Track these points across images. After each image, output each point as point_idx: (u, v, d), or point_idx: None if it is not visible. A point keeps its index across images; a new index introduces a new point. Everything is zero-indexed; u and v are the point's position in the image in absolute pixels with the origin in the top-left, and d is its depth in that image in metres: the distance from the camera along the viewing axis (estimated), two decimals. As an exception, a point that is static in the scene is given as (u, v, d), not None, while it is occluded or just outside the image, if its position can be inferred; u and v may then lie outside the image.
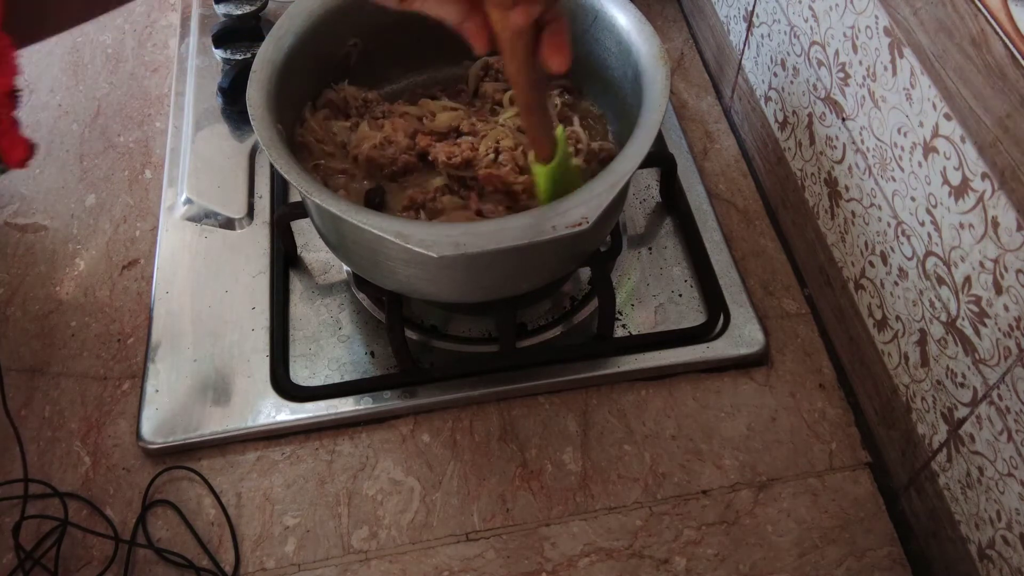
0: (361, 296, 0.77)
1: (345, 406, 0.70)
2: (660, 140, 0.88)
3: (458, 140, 0.72)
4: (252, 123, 0.62)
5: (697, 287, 0.78)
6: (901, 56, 0.58)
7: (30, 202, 0.85)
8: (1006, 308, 0.51)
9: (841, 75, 0.67)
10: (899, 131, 0.60)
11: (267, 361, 0.73)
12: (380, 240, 0.57)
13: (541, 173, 0.62)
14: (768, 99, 0.82)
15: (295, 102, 0.68)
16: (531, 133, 0.61)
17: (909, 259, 0.61)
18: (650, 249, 0.81)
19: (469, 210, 0.69)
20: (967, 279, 0.55)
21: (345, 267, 0.79)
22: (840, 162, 0.69)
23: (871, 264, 0.67)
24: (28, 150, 0.45)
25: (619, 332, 0.75)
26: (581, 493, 0.67)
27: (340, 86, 0.76)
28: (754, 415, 0.71)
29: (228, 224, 0.82)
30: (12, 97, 0.43)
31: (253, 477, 0.68)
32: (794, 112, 0.76)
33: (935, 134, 0.55)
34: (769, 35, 0.79)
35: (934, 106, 0.55)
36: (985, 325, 0.54)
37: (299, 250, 0.81)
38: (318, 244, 0.80)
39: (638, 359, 0.73)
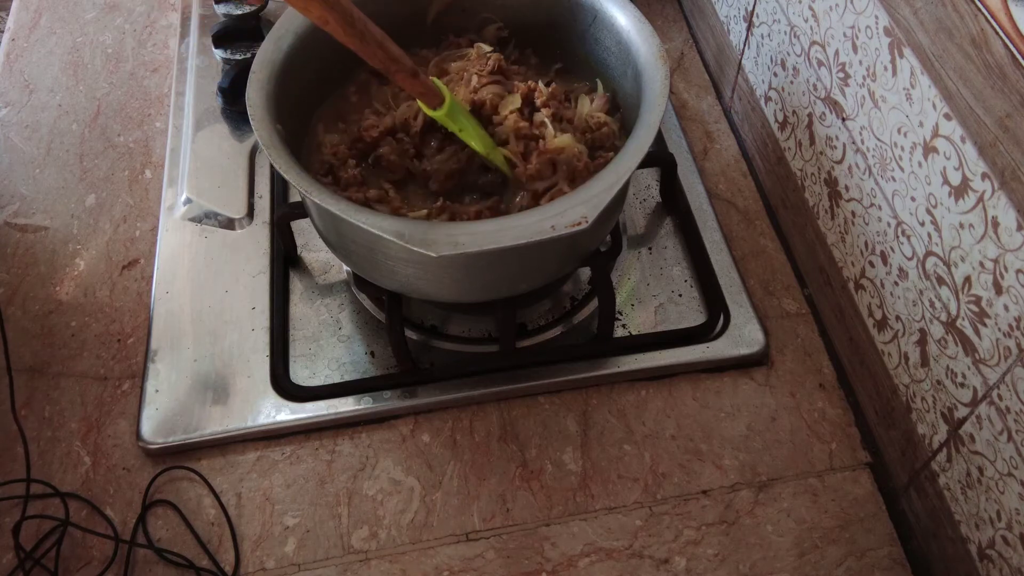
0: (361, 296, 0.77)
1: (345, 406, 0.70)
2: (660, 140, 0.88)
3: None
4: (252, 123, 0.62)
5: (697, 287, 0.78)
6: (901, 56, 0.58)
7: (30, 202, 0.85)
8: (1006, 308, 0.51)
9: (841, 75, 0.67)
10: (899, 131, 0.60)
11: (267, 361, 0.73)
12: (380, 240, 0.57)
13: (442, 118, 0.65)
14: (768, 99, 0.82)
15: (295, 102, 0.68)
16: (410, 90, 0.64)
17: (909, 259, 0.61)
18: (650, 249, 0.81)
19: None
20: (967, 279, 0.55)
21: (345, 267, 0.79)
22: (840, 162, 0.69)
23: (871, 264, 0.67)
24: None
25: (619, 332, 0.75)
26: (581, 493, 0.67)
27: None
28: (754, 415, 0.71)
29: (228, 224, 0.82)
30: None
31: (253, 477, 0.68)
32: (794, 112, 0.76)
33: (935, 134, 0.55)
34: (769, 35, 0.79)
35: (934, 106, 0.55)
36: (985, 325, 0.54)
37: (299, 250, 0.81)
38: (318, 244, 0.80)
39: (638, 359, 0.72)
